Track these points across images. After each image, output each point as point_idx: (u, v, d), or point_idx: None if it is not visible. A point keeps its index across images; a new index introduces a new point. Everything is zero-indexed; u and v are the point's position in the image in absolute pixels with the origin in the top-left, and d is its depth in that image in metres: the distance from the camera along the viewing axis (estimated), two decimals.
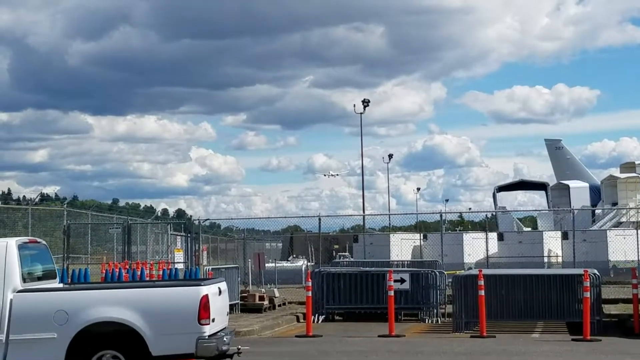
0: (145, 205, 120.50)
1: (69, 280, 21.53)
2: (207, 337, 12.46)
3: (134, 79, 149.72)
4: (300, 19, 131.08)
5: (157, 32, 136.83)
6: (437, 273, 25.00)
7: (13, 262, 12.78)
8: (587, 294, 19.80)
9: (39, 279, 13.73)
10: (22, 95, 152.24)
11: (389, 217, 53.59)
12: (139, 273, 23.90)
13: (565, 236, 38.10)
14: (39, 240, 14.74)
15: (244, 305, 26.66)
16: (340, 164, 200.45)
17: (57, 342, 12.33)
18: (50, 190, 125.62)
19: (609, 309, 24.35)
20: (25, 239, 14.17)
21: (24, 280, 12.93)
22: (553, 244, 40.93)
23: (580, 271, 21.08)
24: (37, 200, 40.10)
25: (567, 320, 21.57)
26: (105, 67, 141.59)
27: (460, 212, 64.38)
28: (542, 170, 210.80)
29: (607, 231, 41.74)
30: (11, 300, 12.55)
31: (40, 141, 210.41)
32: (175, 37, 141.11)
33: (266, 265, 35.42)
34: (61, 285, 14.54)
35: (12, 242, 13.06)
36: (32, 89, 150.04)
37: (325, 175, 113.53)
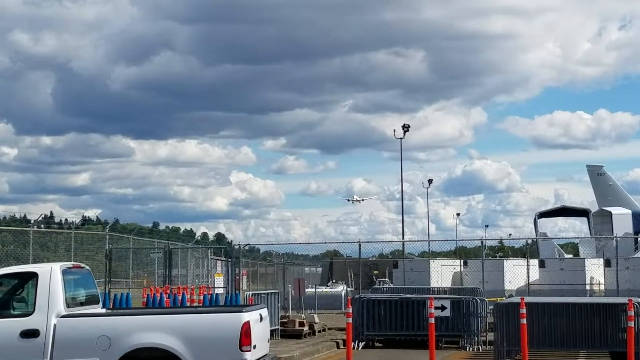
0: (185, 229, 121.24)
1: (111, 305, 21.67)
2: None
3: (175, 103, 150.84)
4: (340, 43, 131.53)
5: (198, 57, 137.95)
6: (478, 300, 24.84)
7: (57, 287, 12.90)
8: (631, 324, 19.51)
9: (82, 304, 13.84)
10: (65, 120, 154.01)
11: (429, 243, 53.35)
12: (179, 298, 23.97)
13: (607, 264, 37.62)
14: (82, 265, 14.87)
15: (284, 331, 26.64)
16: (379, 189, 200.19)
17: None
18: (92, 213, 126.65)
19: None
20: (69, 264, 14.30)
21: (68, 305, 13.03)
22: (595, 271, 40.42)
23: (624, 300, 20.80)
24: (79, 223, 40.39)
25: (610, 350, 21.26)
26: (147, 92, 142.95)
27: (501, 239, 63.80)
28: (583, 196, 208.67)
29: None
30: (55, 325, 12.66)
31: (83, 165, 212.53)
32: (215, 62, 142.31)
33: (306, 290, 35.39)
34: (104, 310, 14.64)
35: (57, 268, 13.18)
36: (75, 113, 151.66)
37: (349, 200, 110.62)
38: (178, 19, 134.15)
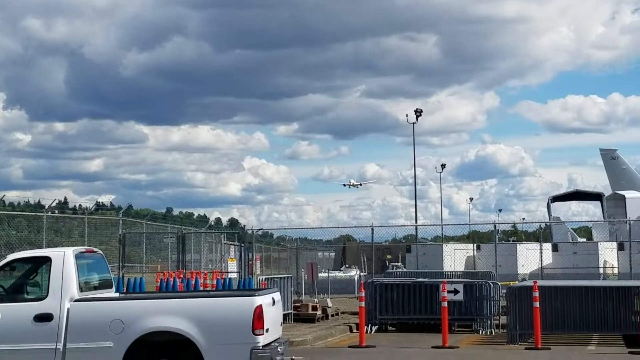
0: (199, 215, 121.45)
1: (125, 289, 21.76)
2: (261, 348, 12.50)
3: (187, 89, 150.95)
4: (353, 28, 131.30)
5: (210, 42, 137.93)
6: (491, 284, 24.82)
7: (70, 271, 12.96)
8: None
9: (96, 288, 13.90)
10: (78, 106, 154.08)
11: (442, 228, 53.33)
12: (193, 282, 24.03)
13: (621, 247, 37.60)
14: (95, 249, 14.92)
15: (297, 315, 26.70)
16: (392, 174, 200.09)
17: (113, 351, 12.46)
18: (106, 199, 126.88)
19: None
20: (82, 248, 14.37)
21: (81, 289, 13.09)
22: (609, 255, 40.40)
23: (637, 283, 20.85)
24: (92, 209, 40.50)
25: (623, 332, 21.25)
26: (159, 78, 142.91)
27: (514, 223, 63.59)
28: (596, 180, 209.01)
29: None
30: (68, 309, 12.71)
31: (96, 151, 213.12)
32: (228, 47, 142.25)
33: (319, 275, 35.43)
34: (117, 294, 14.70)
35: (70, 252, 13.24)
36: (88, 99, 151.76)
37: (345, 185, 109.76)
38: (189, 4, 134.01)
